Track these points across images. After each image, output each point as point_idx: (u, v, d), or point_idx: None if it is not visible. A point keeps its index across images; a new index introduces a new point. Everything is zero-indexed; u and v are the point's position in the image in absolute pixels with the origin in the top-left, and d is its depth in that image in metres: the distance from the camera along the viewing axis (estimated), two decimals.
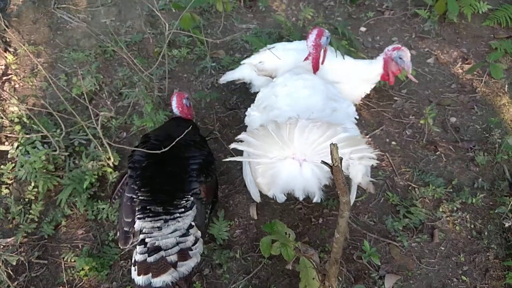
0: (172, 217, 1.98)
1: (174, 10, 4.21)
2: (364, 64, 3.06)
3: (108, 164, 2.86)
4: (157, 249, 1.88)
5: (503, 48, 3.77)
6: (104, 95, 3.32)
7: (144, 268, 1.84)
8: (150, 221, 1.96)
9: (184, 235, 1.95)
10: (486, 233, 2.62)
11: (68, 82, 3.59)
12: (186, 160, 2.18)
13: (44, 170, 2.78)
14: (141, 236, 1.94)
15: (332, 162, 1.21)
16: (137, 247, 1.92)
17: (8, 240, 2.62)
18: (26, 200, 2.81)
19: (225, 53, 3.90)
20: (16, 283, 2.46)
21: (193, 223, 2.02)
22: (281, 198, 2.09)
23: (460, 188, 2.82)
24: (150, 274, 1.82)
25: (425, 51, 3.91)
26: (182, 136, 2.09)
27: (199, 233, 2.04)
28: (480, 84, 3.56)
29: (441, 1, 3.93)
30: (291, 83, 2.38)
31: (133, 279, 1.86)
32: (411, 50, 3.90)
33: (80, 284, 2.47)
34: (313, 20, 4.04)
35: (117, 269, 2.51)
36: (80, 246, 2.61)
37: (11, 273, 2.47)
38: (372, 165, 2.05)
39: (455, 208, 2.70)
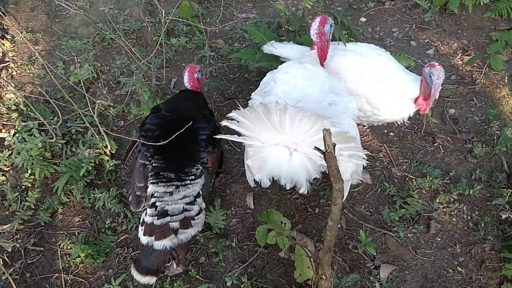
0: (183, 183, 2.10)
1: None
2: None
3: (105, 152, 2.85)
4: (165, 213, 2.02)
5: (504, 39, 3.74)
6: (100, 84, 3.30)
7: (149, 230, 2.01)
8: (163, 186, 2.08)
9: (191, 203, 2.08)
10: (482, 224, 2.62)
11: (66, 70, 3.56)
12: (196, 131, 2.25)
13: (41, 158, 2.78)
14: (152, 200, 2.07)
15: (325, 147, 1.20)
16: (148, 209, 2.06)
17: (4, 227, 2.62)
18: (23, 187, 2.80)
19: (224, 43, 3.87)
20: (12, 269, 2.46)
21: (200, 192, 2.14)
22: (266, 183, 2.08)
23: (458, 180, 2.82)
24: (153, 237, 1.99)
25: (425, 42, 3.88)
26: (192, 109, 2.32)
27: (203, 205, 2.15)
28: (480, 75, 3.54)
29: None
30: (292, 71, 2.36)
31: (138, 237, 2.05)
32: (411, 41, 3.89)
33: (76, 271, 2.47)
34: (312, 9, 4.01)
35: (113, 256, 2.52)
36: (77, 234, 2.61)
37: (7, 259, 2.47)
38: (362, 164, 2.05)
39: (452, 200, 2.69)
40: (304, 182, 1.95)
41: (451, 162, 2.95)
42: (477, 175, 2.84)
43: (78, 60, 3.52)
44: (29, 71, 3.59)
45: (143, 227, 2.03)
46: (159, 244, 1.97)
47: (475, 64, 3.63)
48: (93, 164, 2.78)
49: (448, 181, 2.80)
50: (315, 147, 1.22)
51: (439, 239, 2.56)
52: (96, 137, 2.85)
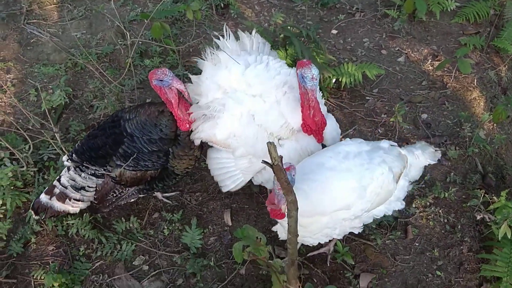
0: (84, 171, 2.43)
1: (146, 21, 4.20)
2: None
3: None
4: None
5: (472, 43, 3.82)
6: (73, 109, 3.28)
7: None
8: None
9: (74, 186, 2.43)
10: (459, 226, 2.63)
11: (38, 98, 3.53)
12: (122, 144, 2.33)
13: (12, 187, 2.73)
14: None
15: (272, 161, 1.19)
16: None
17: None
18: None
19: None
20: None
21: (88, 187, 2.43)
22: None
23: (433, 183, 2.83)
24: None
25: (395, 50, 3.95)
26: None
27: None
28: (451, 79, 3.60)
29: (409, 0, 3.98)
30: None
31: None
32: (382, 50, 3.95)
33: None
34: (284, 22, 4.06)
35: (89, 284, 2.46)
36: (50, 263, 2.55)
37: None
38: None
39: (428, 203, 2.70)
40: None
41: (426, 166, 2.96)
42: (452, 178, 2.86)
43: (50, 86, 3.50)
44: (0, 100, 3.56)
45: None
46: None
47: (445, 69, 3.69)
48: None
49: (424, 185, 2.81)
50: (263, 160, 1.21)
51: (417, 244, 2.56)
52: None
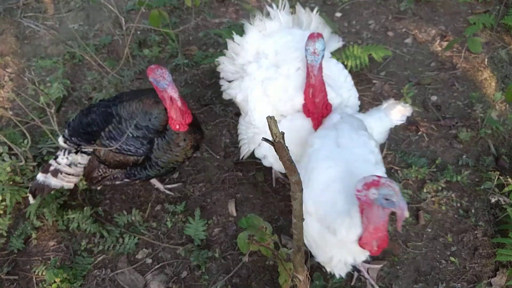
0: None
1: (144, 10, 4.10)
2: None
3: None
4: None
5: (481, 22, 3.67)
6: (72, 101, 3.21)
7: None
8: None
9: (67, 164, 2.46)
10: (473, 210, 2.52)
11: (36, 91, 3.47)
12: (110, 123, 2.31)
13: (11, 182, 2.67)
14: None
15: (273, 137, 1.10)
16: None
17: None
18: None
19: (198, 49, 3.80)
20: None
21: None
22: None
23: (444, 167, 2.72)
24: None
25: (402, 31, 3.82)
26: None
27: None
28: (460, 60, 3.46)
29: None
30: None
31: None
32: (388, 32, 3.82)
33: None
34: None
35: (91, 279, 2.40)
36: (52, 258, 2.49)
37: None
38: None
39: (440, 188, 2.60)
40: None
41: (437, 149, 2.86)
42: (464, 161, 2.75)
43: (48, 79, 3.43)
44: None
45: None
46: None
47: (454, 49, 3.56)
48: None
49: (435, 169, 2.70)
50: (263, 138, 1.12)
51: (429, 230, 2.46)
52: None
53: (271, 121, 1.05)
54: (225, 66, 2.60)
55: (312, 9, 2.58)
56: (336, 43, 2.56)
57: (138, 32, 3.92)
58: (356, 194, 1.54)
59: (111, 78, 3.33)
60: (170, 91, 2.12)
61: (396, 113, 2.26)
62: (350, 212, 1.64)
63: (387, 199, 1.50)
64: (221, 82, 2.71)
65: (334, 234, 1.71)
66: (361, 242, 1.66)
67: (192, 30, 4.01)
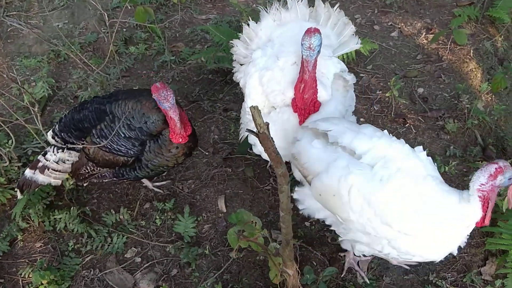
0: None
1: (129, 7, 4.05)
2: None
3: None
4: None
5: (466, 14, 3.69)
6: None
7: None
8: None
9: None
10: None
11: (20, 91, 3.40)
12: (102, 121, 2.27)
13: None
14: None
15: (257, 128, 1.08)
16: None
17: None
18: None
19: (185, 45, 3.77)
20: None
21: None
22: None
23: (432, 158, 2.71)
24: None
25: (388, 25, 3.83)
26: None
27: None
28: (446, 52, 3.49)
29: None
30: None
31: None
32: (374, 26, 3.82)
33: None
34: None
35: (79, 280, 2.37)
36: (38, 260, 2.45)
37: None
38: None
39: None
40: None
41: (424, 141, 2.87)
42: (452, 151, 2.76)
43: (32, 78, 3.37)
44: None
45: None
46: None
47: (440, 42, 3.58)
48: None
49: None
50: (247, 129, 1.10)
51: None
52: None
53: (255, 111, 1.03)
54: (238, 49, 2.57)
55: (332, 5, 2.49)
56: (355, 44, 2.52)
57: (124, 30, 3.87)
58: (479, 188, 1.73)
59: (97, 76, 3.28)
60: (171, 113, 2.11)
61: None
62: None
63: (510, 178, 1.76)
64: (234, 63, 2.67)
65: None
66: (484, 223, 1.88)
67: (179, 26, 3.97)
